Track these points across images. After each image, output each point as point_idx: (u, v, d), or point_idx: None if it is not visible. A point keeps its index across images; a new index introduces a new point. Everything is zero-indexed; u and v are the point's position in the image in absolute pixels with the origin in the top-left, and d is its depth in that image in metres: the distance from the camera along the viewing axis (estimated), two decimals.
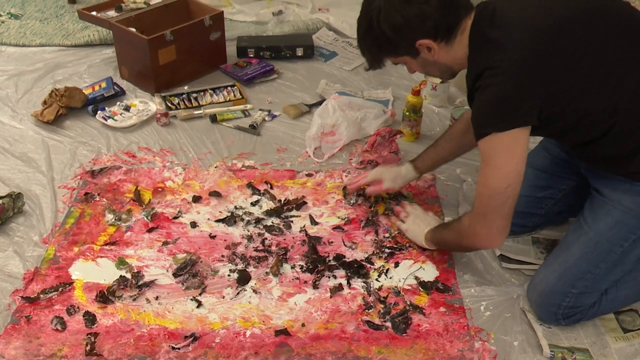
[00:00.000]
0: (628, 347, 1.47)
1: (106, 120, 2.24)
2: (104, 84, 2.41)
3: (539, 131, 1.42)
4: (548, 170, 1.67)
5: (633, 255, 1.45)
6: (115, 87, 2.42)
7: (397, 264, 1.69)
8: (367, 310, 1.55)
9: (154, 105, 2.33)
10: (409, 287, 1.62)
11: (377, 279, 1.64)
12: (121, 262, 1.66)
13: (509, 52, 1.29)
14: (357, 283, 1.62)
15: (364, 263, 1.68)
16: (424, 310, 1.55)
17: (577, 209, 1.56)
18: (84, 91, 2.34)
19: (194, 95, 2.42)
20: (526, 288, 1.57)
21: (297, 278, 1.64)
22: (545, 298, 1.48)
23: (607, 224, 1.44)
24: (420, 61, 1.44)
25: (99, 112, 2.27)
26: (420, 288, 1.62)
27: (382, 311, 1.55)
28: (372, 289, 1.61)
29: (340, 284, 1.62)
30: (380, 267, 1.67)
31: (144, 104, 2.35)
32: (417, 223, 1.71)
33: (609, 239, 1.43)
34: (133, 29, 2.41)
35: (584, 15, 1.34)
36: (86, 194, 1.89)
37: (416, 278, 1.64)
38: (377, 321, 1.52)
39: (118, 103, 2.33)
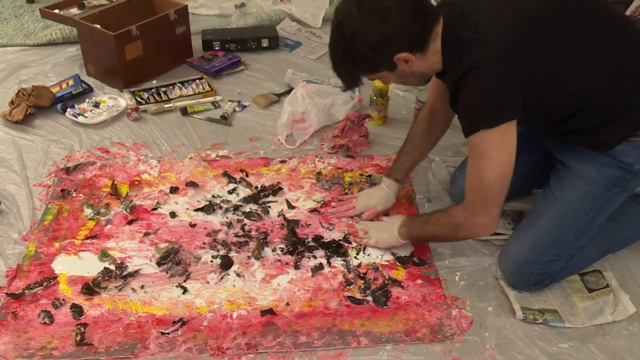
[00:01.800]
0: (593, 305, 1.56)
1: (76, 117, 2.24)
2: (71, 82, 2.40)
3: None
4: None
5: (597, 223, 1.54)
6: (83, 85, 2.41)
7: None
8: (348, 287, 1.60)
9: (124, 100, 2.33)
10: (387, 263, 1.68)
11: (355, 257, 1.69)
12: (104, 255, 1.68)
13: (491, 50, 1.32)
14: (337, 262, 1.68)
15: (342, 242, 1.74)
16: (402, 283, 1.61)
17: (542, 181, 1.64)
18: (51, 89, 2.32)
19: (163, 89, 2.43)
20: (498, 258, 1.65)
21: (279, 260, 1.68)
22: (518, 267, 1.55)
23: (574, 195, 1.51)
24: (398, 74, 1.45)
25: (68, 109, 2.27)
26: (397, 263, 1.68)
27: (362, 286, 1.60)
28: (351, 266, 1.66)
29: (321, 264, 1.67)
30: (357, 246, 1.73)
31: (113, 100, 2.35)
32: (380, 231, 1.70)
33: (576, 209, 1.51)
34: (98, 26, 2.41)
35: (554, 5, 1.41)
36: (62, 190, 1.89)
37: (393, 254, 1.70)
38: (358, 296, 1.57)
39: (87, 100, 2.32)
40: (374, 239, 1.70)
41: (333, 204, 1.86)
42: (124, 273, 1.62)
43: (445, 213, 1.56)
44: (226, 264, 1.66)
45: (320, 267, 1.66)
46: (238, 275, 1.63)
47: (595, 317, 1.53)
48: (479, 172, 1.40)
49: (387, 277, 1.63)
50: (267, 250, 1.71)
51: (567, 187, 1.53)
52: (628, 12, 2.85)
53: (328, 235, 1.76)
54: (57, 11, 2.54)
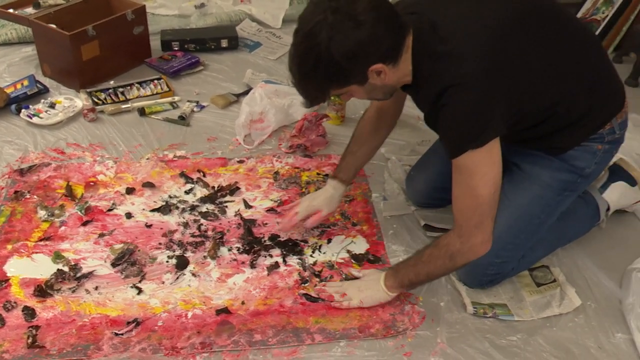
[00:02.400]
0: (541, 299, 1.61)
1: (31, 118, 2.21)
2: (26, 82, 2.36)
3: None
4: None
5: (547, 224, 1.58)
6: (39, 85, 2.38)
7: (329, 240, 1.76)
8: (303, 285, 1.61)
9: (80, 101, 2.31)
10: (342, 261, 1.70)
11: (311, 255, 1.71)
12: (57, 256, 1.66)
13: (469, 65, 1.28)
14: (293, 260, 1.69)
15: (298, 241, 1.75)
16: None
17: None
18: (5, 90, 2.29)
19: (121, 89, 2.41)
20: None
21: (235, 259, 1.69)
22: (472, 269, 1.57)
23: (526, 199, 1.53)
24: (368, 87, 1.35)
25: (22, 110, 2.23)
26: (352, 260, 1.70)
27: (317, 285, 1.62)
28: (307, 264, 1.68)
29: (277, 262, 1.68)
30: (313, 244, 1.74)
31: (69, 100, 2.32)
32: (363, 289, 1.55)
33: (528, 212, 1.53)
34: (53, 26, 2.38)
35: (519, 15, 1.39)
36: (16, 192, 1.87)
37: (348, 252, 1.72)
38: (313, 294, 1.59)
39: (42, 101, 2.29)
40: (357, 299, 1.53)
41: (277, 220, 1.80)
42: (78, 274, 1.61)
43: (436, 246, 1.44)
44: (182, 264, 1.66)
45: (276, 265, 1.67)
46: (194, 275, 1.64)
47: (543, 310, 1.57)
48: (472, 191, 1.34)
49: (343, 275, 1.65)
50: (224, 250, 1.72)
51: (520, 190, 1.54)
52: (579, 14, 2.93)
53: (284, 235, 1.77)
54: (11, 10, 2.49)
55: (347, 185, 1.75)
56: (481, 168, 1.33)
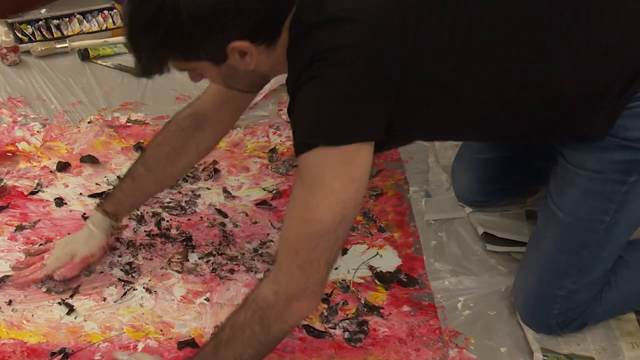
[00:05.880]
0: None
1: None
2: None
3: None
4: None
5: (623, 229, 1.53)
6: None
7: (344, 250, 1.76)
8: None
9: None
10: (362, 281, 1.69)
11: None
12: None
13: (349, 30, 1.25)
14: None
15: None
16: (381, 311, 1.62)
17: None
18: None
19: (56, 21, 2.42)
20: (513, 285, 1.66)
21: (207, 271, 1.69)
22: (530, 308, 1.58)
23: (574, 199, 1.50)
24: (225, 70, 1.33)
25: None
26: (376, 281, 1.69)
27: (325, 313, 1.61)
28: None
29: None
30: None
31: None
32: None
33: (581, 217, 1.50)
34: None
35: None
36: None
37: (371, 268, 1.72)
38: (318, 326, 1.57)
39: None
40: None
41: (12, 275, 1.67)
42: None
43: (243, 307, 1.32)
44: (132, 274, 1.68)
45: None
46: (148, 290, 1.65)
47: None
48: (307, 212, 1.27)
49: (361, 301, 1.64)
50: (192, 257, 1.72)
51: (564, 187, 1.52)
52: None
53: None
54: None
55: (114, 220, 1.69)
56: (330, 180, 1.26)
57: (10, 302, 1.60)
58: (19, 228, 1.76)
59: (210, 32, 1.24)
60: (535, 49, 1.33)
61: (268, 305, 1.29)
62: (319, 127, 1.26)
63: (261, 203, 1.88)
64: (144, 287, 1.66)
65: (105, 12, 2.47)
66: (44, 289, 1.63)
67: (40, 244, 1.73)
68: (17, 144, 1.98)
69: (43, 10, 2.47)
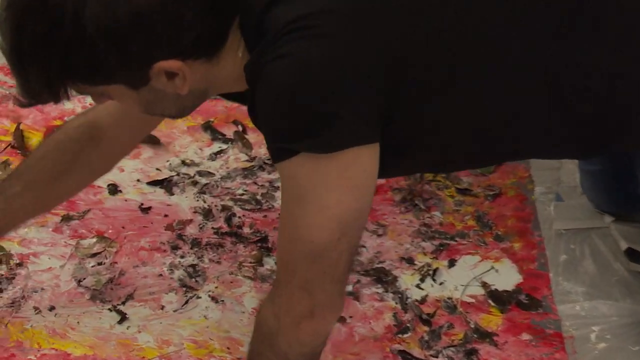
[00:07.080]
0: None
1: None
2: None
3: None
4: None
5: None
6: None
7: (452, 262, 1.75)
8: (400, 335, 1.59)
9: None
10: (472, 300, 1.67)
11: (418, 286, 1.68)
12: None
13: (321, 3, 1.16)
14: (384, 291, 1.68)
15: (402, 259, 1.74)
16: (495, 338, 1.59)
17: None
18: None
19: None
20: None
21: None
22: None
23: None
24: (146, 95, 1.21)
25: None
26: (490, 301, 1.67)
27: (425, 337, 1.59)
28: (408, 300, 1.65)
29: (355, 291, 1.67)
30: (424, 267, 1.72)
31: None
32: None
33: None
34: None
35: None
36: None
37: (484, 285, 1.70)
38: (416, 353, 1.56)
39: None
40: None
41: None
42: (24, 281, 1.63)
43: (254, 334, 1.39)
44: (195, 279, 1.66)
45: (354, 296, 1.66)
46: (214, 299, 1.64)
47: None
48: (295, 230, 1.24)
49: (472, 325, 1.60)
50: (268, 262, 1.71)
51: None
52: None
53: (372, 245, 1.74)
54: None
55: None
56: (321, 193, 1.19)
57: (53, 308, 1.62)
58: (65, 218, 1.78)
59: (126, 51, 1.12)
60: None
61: (272, 331, 1.30)
62: (299, 128, 1.14)
63: None
64: (209, 295, 1.66)
65: None
66: (88, 296, 1.64)
67: (101, 237, 1.73)
68: (65, 119, 1.96)
69: None
